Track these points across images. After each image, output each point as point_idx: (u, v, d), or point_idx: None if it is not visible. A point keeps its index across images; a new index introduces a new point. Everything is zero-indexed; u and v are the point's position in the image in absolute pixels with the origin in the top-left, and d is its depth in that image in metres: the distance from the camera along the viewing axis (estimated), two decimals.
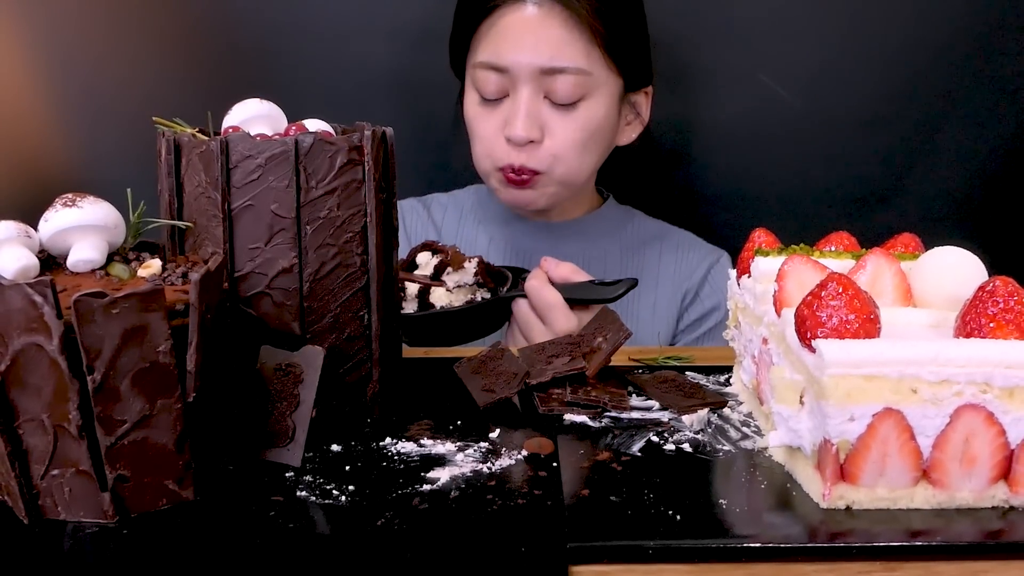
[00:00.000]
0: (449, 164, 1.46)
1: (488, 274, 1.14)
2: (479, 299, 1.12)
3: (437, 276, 1.10)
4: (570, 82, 1.23)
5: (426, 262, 1.14)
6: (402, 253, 1.17)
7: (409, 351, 1.04)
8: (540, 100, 1.24)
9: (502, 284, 1.14)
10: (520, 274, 1.16)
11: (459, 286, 1.10)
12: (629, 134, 1.36)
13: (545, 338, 1.05)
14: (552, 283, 1.10)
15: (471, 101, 1.30)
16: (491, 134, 1.27)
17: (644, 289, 1.34)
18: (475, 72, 1.27)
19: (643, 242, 1.40)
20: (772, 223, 0.91)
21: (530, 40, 1.22)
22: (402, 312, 1.07)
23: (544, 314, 1.09)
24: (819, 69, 1.46)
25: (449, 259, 1.10)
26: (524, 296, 1.11)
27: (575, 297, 1.09)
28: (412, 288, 1.11)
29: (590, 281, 1.12)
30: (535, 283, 1.10)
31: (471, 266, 1.11)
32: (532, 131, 1.23)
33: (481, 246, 1.39)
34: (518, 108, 1.24)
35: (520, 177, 1.27)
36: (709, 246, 1.41)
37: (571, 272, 1.13)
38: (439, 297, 1.10)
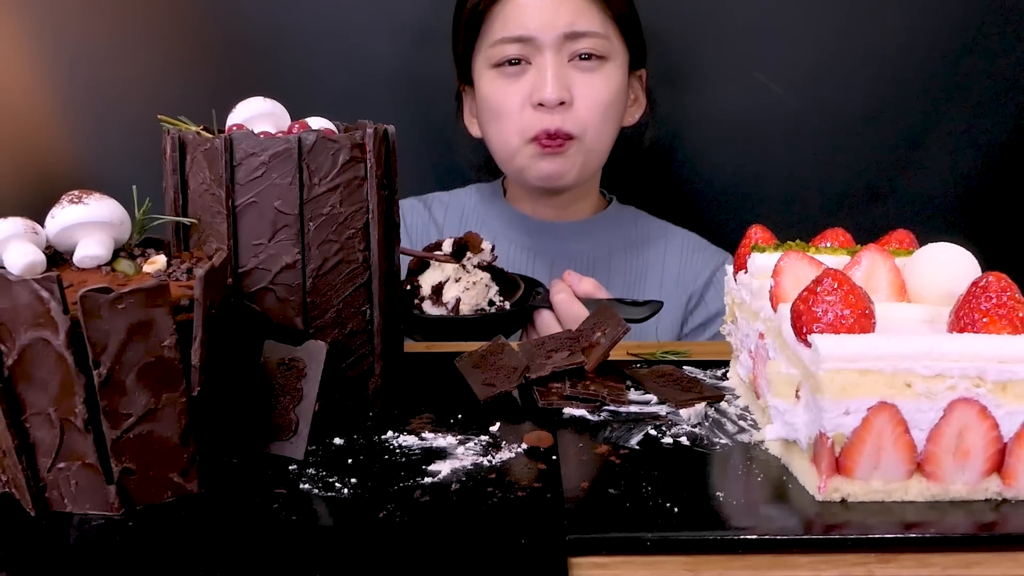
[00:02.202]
0: (450, 162, 1.47)
1: (500, 280, 1.14)
2: (497, 303, 1.12)
3: (459, 257, 1.11)
4: (592, 43, 1.27)
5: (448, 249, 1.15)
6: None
7: (410, 346, 1.05)
8: (565, 64, 1.27)
9: (514, 291, 1.15)
10: (533, 286, 1.17)
11: (474, 283, 1.11)
12: (633, 113, 1.39)
13: None
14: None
15: (487, 86, 1.30)
16: (517, 106, 1.28)
17: (648, 291, 1.35)
18: (492, 51, 1.28)
19: (647, 243, 1.40)
20: (768, 219, 0.92)
21: (550, 8, 1.26)
22: (421, 315, 1.08)
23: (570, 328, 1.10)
24: (814, 67, 1.47)
25: (467, 241, 1.11)
26: (547, 307, 1.12)
27: None
28: (426, 285, 1.11)
29: (617, 300, 1.13)
30: (564, 297, 1.12)
31: (487, 245, 1.12)
32: (562, 92, 1.26)
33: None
34: (545, 72, 1.26)
35: (555, 142, 1.28)
36: (714, 248, 1.41)
37: (593, 288, 1.14)
38: (452, 291, 1.10)
